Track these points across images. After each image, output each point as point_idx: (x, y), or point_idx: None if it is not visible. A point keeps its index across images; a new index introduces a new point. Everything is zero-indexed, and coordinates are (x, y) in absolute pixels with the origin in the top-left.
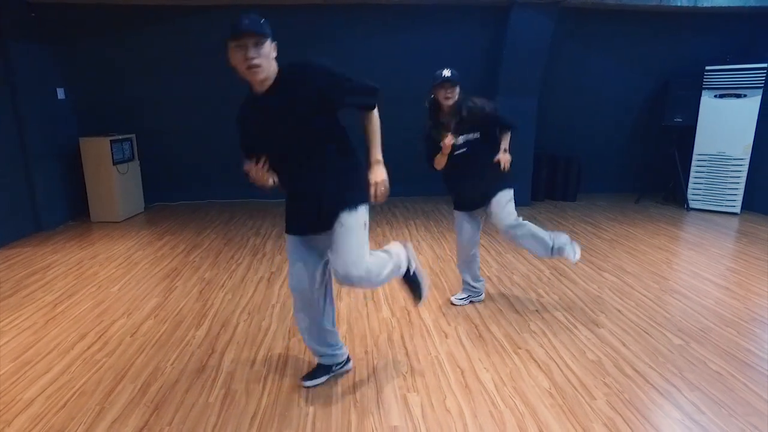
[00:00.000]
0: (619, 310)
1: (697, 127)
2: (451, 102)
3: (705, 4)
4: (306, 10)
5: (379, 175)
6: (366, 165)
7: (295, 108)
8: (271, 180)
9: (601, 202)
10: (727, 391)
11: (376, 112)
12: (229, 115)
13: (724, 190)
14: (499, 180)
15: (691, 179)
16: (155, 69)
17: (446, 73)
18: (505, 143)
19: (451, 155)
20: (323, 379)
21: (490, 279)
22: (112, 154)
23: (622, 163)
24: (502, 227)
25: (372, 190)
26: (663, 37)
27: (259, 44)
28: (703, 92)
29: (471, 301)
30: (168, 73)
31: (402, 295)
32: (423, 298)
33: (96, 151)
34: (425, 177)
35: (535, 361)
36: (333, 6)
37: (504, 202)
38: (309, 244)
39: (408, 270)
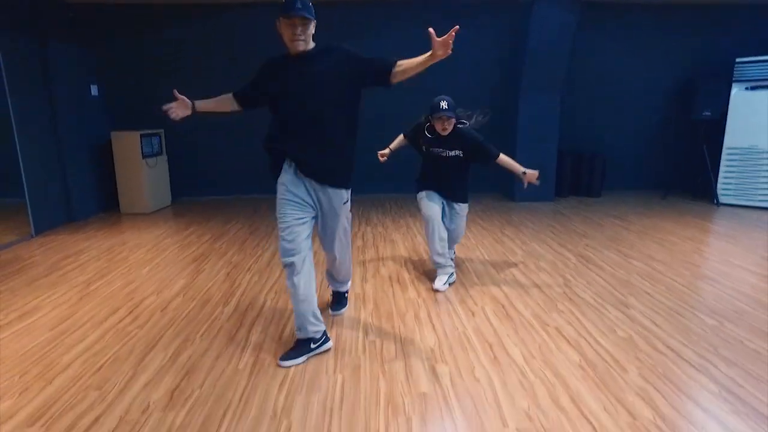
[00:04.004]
0: (648, 293)
1: (728, 121)
2: (447, 133)
3: None
4: (319, 6)
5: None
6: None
7: (324, 75)
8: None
9: (627, 198)
10: (767, 368)
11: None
12: (255, 111)
13: (756, 184)
14: (466, 193)
15: (720, 174)
16: (184, 66)
17: (444, 104)
18: (519, 167)
19: (436, 159)
20: (304, 358)
21: (515, 264)
22: (141, 148)
23: (647, 159)
24: (453, 236)
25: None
26: (691, 28)
27: (305, 24)
28: (734, 85)
29: (450, 283)
30: (196, 70)
31: (428, 277)
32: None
33: (126, 145)
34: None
35: (564, 337)
36: (348, 1)
37: (465, 215)
38: (301, 199)
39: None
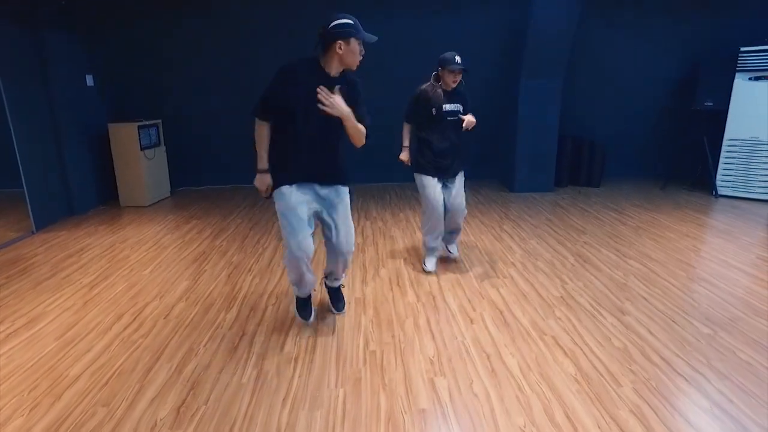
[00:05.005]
0: (644, 298)
1: (729, 111)
2: (455, 85)
3: None
4: None
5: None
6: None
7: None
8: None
9: (626, 188)
10: (757, 382)
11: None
12: (253, 100)
13: (756, 176)
14: (464, 161)
15: (720, 165)
16: (181, 56)
17: (458, 58)
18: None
19: (442, 120)
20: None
21: (514, 265)
22: (139, 139)
23: (647, 149)
24: (455, 205)
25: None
26: (694, 17)
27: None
28: (737, 75)
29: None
30: (193, 59)
31: (427, 279)
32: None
33: (124, 136)
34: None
35: (561, 347)
36: None
37: (462, 183)
38: (303, 196)
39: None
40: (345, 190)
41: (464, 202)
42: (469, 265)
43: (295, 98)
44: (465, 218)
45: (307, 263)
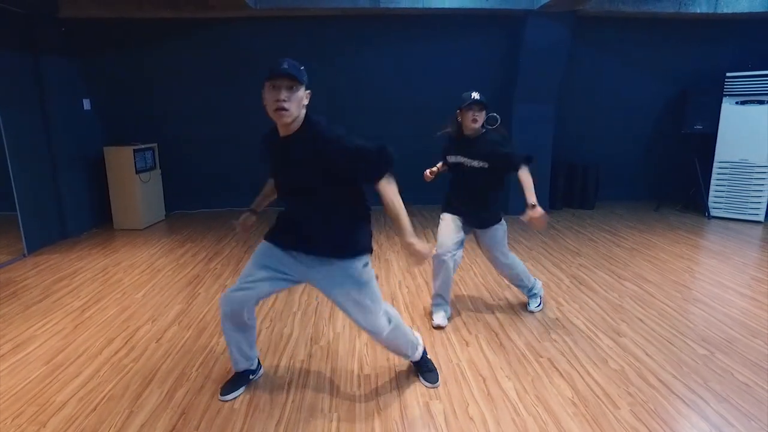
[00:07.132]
0: (640, 320)
1: (718, 135)
2: (477, 125)
3: (725, 10)
4: (324, 20)
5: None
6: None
7: (309, 168)
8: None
9: (620, 210)
10: (756, 404)
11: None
12: (248, 125)
13: (747, 198)
14: (491, 216)
15: (712, 187)
16: (177, 81)
17: (475, 95)
18: (531, 196)
19: (460, 170)
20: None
21: (509, 287)
22: (135, 163)
23: (640, 171)
24: (498, 264)
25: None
26: (681, 43)
27: (292, 89)
28: (724, 99)
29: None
30: (189, 84)
31: (422, 303)
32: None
33: (120, 160)
34: (440, 186)
35: (557, 369)
36: (345, 15)
37: (499, 238)
38: (281, 260)
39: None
40: (344, 265)
41: (504, 257)
42: (464, 288)
43: (272, 168)
44: (514, 275)
45: (234, 322)
